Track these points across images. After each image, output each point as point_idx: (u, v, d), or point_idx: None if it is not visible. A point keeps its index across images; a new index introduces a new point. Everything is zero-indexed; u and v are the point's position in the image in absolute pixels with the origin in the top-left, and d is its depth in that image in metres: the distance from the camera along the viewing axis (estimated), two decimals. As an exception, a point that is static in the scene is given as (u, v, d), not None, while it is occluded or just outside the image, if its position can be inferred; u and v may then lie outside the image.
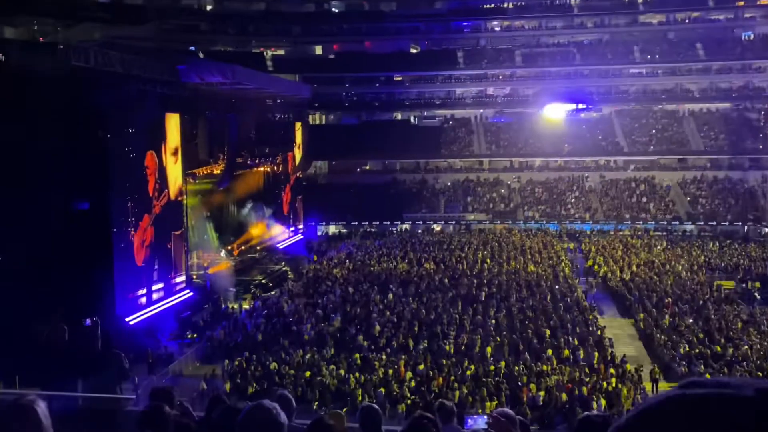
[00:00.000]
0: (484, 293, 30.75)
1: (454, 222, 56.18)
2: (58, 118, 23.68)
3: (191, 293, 32.18)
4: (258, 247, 44.59)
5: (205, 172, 36.77)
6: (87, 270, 23.89)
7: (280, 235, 47.41)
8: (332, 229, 58.75)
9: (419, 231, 53.58)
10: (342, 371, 21.94)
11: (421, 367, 22.03)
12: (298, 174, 53.85)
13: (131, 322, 26.67)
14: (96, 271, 24.40)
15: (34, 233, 22.47)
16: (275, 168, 47.76)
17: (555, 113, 60.09)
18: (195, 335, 26.04)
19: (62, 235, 23.42)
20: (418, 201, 58.72)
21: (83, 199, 24.52)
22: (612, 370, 21.69)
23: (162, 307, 29.23)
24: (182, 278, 31.96)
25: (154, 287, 28.74)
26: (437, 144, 63.16)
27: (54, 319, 19.18)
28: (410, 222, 56.48)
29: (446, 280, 33.47)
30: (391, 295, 30.93)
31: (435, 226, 56.20)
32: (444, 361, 22.28)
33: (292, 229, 49.96)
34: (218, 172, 37.87)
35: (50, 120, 23.35)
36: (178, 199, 32.39)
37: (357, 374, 21.66)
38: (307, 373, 21.91)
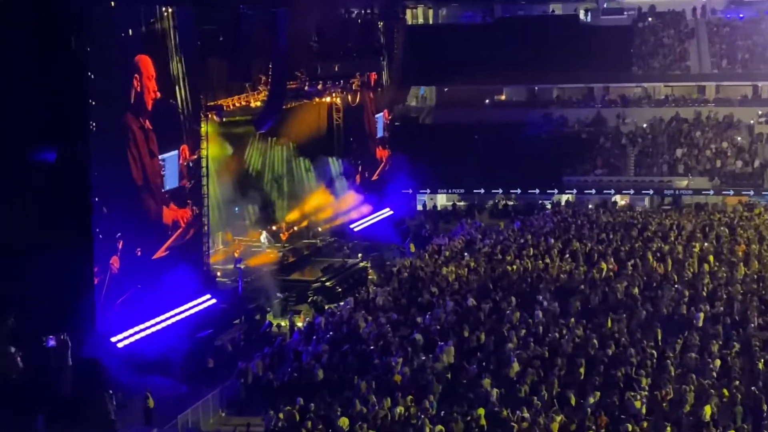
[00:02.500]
0: (702, 315, 29.94)
1: (651, 191, 55.10)
2: (12, 20, 24.85)
3: (213, 300, 33.29)
4: (320, 229, 45.40)
5: (237, 105, 37.72)
6: (52, 260, 25.15)
7: (356, 209, 48.02)
8: (442, 200, 58.82)
9: (590, 206, 52.68)
10: (456, 436, 22.00)
11: (591, 434, 21.78)
12: (386, 110, 54.15)
13: (120, 344, 27.91)
14: (66, 263, 25.65)
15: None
16: (349, 98, 48.31)
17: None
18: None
19: (14, 202, 24.74)
20: (589, 155, 57.76)
21: (48, 147, 25.77)
22: None
23: (168, 321, 30.40)
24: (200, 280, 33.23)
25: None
26: (625, 57, 61.70)
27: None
28: (575, 190, 55.78)
29: (636, 291, 32.83)
30: (540, 314, 30.68)
31: (618, 197, 55.21)
32: (629, 427, 21.94)
33: (375, 200, 50.46)
34: (258, 104, 38.71)
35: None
36: (197, 155, 33.56)
37: (480, 442, 21.66)
38: (399, 437, 22.17)
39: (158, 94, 31.09)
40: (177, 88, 32.30)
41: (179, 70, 32.25)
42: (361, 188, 49.34)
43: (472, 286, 34.58)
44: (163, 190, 31.85)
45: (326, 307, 35.27)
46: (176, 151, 32.81)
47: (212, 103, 35.61)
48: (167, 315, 30.57)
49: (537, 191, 55.72)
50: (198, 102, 33.93)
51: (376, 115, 52.18)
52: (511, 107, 64.26)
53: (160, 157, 31.44)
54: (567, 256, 38.45)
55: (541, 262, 37.50)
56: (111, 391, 12.20)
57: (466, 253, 40.54)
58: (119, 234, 28.98)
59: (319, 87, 44.46)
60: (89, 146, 27.37)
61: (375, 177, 52.36)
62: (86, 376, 10.32)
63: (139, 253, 30.20)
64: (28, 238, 25.44)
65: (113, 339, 27.87)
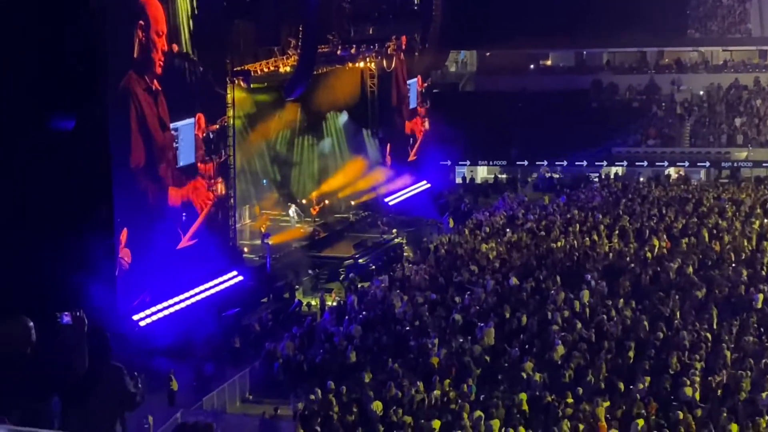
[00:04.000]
0: (761, 296, 29.63)
1: (707, 163, 54.58)
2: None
3: (240, 277, 33.53)
4: (353, 203, 45.47)
5: (266, 71, 37.78)
6: (70, 233, 25.42)
7: (391, 182, 48.07)
8: (482, 172, 58.68)
9: (641, 179, 52.35)
10: (496, 422, 22.04)
11: (641, 423, 21.71)
12: (422, 76, 53.91)
13: (142, 323, 28.19)
14: (83, 235, 25.91)
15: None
16: (384, 63, 48.14)
17: None
18: None
19: (32, 173, 24.97)
20: (641, 124, 57.25)
21: (65, 114, 25.94)
22: None
23: (192, 299, 30.67)
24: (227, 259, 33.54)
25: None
26: (681, 19, 60.97)
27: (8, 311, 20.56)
28: (625, 162, 55.36)
29: (691, 271, 32.60)
30: (587, 294, 30.55)
31: (672, 170, 54.70)
32: (681, 415, 21.82)
33: (411, 172, 50.42)
34: (287, 69, 38.75)
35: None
36: (220, 124, 33.51)
37: (522, 428, 21.67)
38: (436, 423, 22.22)
39: (172, 47, 30.09)
40: (194, 46, 31.51)
41: (198, 28, 31.39)
42: (396, 160, 49.21)
43: (514, 264, 34.52)
44: (177, 167, 31.29)
45: (359, 286, 35.38)
46: (192, 120, 32.09)
47: (239, 69, 35.64)
48: (192, 293, 30.83)
49: (584, 163, 55.37)
50: (224, 67, 33.90)
51: (409, 82, 51.74)
52: (558, 73, 63.82)
53: (171, 126, 30.74)
54: (616, 232, 38.25)
55: (588, 239, 37.36)
56: (131, 373, 12.26)
57: (507, 229, 40.46)
58: (121, 220, 28.12)
59: (353, 51, 44.35)
60: (107, 112, 27.22)
61: (412, 157, 51.90)
62: (93, 349, 10.31)
63: (155, 245, 29.54)
64: (47, 210, 25.67)
65: (135, 317, 28.17)
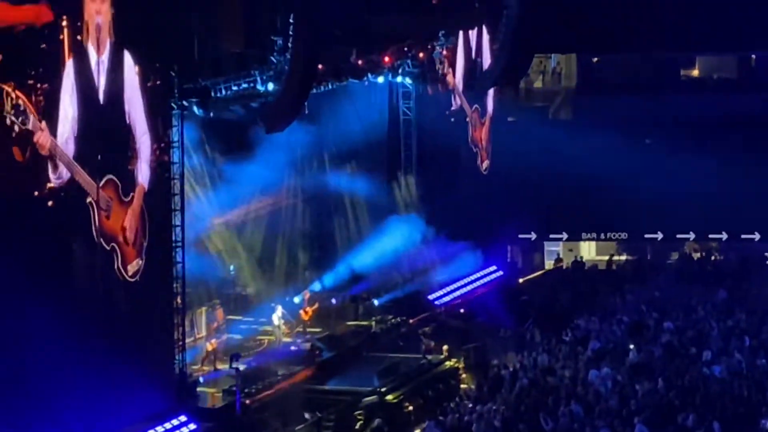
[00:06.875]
0: None
1: None
2: None
3: (191, 426, 33.32)
4: (375, 302, 45.65)
5: (235, 89, 37.98)
6: None
7: (439, 268, 48.18)
8: (589, 252, 58.77)
9: None
10: None
11: None
12: (489, 98, 54.22)
13: None
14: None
15: None
16: (427, 76, 48.34)
17: None
18: None
19: None
20: None
21: None
22: None
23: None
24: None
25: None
26: None
27: None
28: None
29: None
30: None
31: None
32: None
33: (471, 251, 50.52)
34: (270, 87, 38.98)
35: None
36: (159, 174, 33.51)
37: None
38: None
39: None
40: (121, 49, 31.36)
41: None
42: (447, 232, 49.19)
43: (643, 402, 34.31)
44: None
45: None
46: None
47: (191, 87, 35.51)
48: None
49: (756, 237, 55.51)
50: (168, 82, 34.05)
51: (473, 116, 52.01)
52: (710, 90, 63.83)
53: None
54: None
55: (766, 361, 37.11)
56: None
57: (631, 345, 40.45)
58: None
59: (379, 58, 44.53)
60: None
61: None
62: None
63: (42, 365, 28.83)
64: None
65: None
